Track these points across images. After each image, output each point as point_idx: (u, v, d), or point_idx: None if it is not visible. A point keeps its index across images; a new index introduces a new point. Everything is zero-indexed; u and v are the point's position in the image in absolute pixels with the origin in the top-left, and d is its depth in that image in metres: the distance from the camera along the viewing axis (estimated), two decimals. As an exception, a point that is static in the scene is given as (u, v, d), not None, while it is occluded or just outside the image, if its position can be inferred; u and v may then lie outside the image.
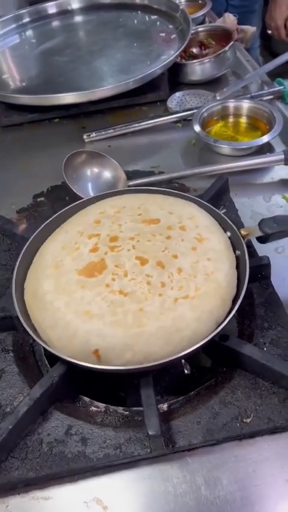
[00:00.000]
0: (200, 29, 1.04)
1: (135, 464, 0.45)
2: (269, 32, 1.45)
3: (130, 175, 0.77)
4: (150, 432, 0.42)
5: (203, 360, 0.59)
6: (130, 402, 0.50)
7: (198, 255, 0.50)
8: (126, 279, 0.48)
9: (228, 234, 0.55)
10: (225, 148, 0.78)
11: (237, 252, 0.53)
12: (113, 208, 0.57)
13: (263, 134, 0.78)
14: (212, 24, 1.07)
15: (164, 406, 0.48)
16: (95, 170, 0.76)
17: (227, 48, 0.94)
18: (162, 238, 0.52)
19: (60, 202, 0.75)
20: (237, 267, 0.52)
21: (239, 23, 1.08)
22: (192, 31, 0.96)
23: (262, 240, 0.55)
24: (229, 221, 0.56)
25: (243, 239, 0.53)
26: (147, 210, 0.56)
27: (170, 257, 0.50)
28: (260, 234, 0.54)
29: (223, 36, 1.01)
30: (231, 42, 0.94)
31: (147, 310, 0.46)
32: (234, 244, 0.54)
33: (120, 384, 0.52)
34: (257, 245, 0.59)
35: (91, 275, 0.49)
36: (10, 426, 0.43)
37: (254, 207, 0.71)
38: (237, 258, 0.53)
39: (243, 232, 0.55)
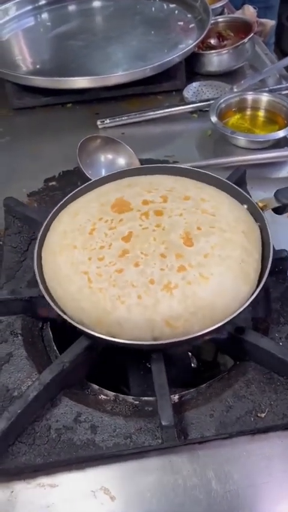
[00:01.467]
0: (219, 20, 1.02)
1: (145, 454, 0.44)
2: None
3: (143, 163, 0.75)
4: (163, 423, 0.41)
5: (204, 354, 0.59)
6: (135, 391, 0.49)
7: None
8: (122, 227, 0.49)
9: (245, 206, 0.54)
10: (241, 140, 0.76)
11: (258, 224, 0.52)
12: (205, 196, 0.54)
13: (280, 129, 0.77)
14: (232, 16, 1.05)
15: (175, 398, 0.47)
16: (109, 156, 0.75)
17: (246, 40, 0.92)
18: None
19: (72, 187, 0.73)
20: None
21: (256, 17, 1.07)
22: (211, 21, 0.94)
23: (279, 211, 0.55)
24: (245, 193, 0.55)
25: (262, 210, 0.53)
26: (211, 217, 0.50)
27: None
28: (276, 204, 0.54)
29: (242, 28, 0.99)
30: (251, 34, 0.93)
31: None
32: (254, 216, 0.53)
33: (129, 372, 0.51)
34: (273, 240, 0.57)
35: (119, 210, 0.51)
36: (19, 411, 0.42)
37: (269, 201, 0.69)
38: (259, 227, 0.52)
39: (260, 204, 0.54)
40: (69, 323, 0.45)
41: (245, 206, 0.54)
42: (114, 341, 0.44)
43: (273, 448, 0.44)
